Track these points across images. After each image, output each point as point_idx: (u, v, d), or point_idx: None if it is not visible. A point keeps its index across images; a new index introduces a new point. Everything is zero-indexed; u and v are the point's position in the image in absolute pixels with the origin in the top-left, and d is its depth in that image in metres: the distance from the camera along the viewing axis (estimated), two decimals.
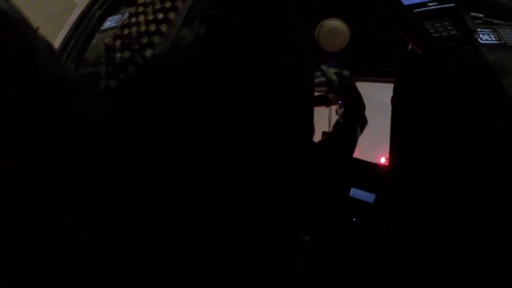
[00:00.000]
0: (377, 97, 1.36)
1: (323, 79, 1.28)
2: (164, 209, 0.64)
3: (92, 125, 0.57)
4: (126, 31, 1.28)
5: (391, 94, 1.10)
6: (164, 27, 1.27)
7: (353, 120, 1.22)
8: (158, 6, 1.31)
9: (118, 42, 1.27)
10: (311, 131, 0.87)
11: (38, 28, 0.63)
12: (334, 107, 1.38)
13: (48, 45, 0.54)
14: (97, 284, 0.55)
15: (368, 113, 1.22)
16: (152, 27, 1.26)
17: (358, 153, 1.37)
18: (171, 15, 1.28)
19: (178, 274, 0.63)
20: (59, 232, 0.53)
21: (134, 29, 1.28)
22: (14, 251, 0.50)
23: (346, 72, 1.29)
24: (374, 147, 1.32)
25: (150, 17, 1.28)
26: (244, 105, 0.73)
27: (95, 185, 0.56)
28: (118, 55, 1.25)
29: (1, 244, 0.49)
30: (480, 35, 1.05)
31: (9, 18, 0.48)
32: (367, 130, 1.22)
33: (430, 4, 1.07)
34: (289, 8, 0.84)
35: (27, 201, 0.50)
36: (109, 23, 1.41)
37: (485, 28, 1.07)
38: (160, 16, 1.28)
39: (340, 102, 1.34)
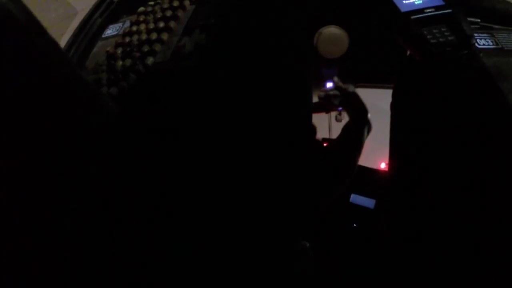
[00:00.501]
0: (376, 103, 1.37)
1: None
2: (164, 210, 0.64)
3: (92, 126, 0.57)
4: (127, 39, 1.29)
5: (390, 100, 1.11)
6: (165, 36, 1.27)
7: (361, 123, 1.23)
8: (159, 15, 1.32)
9: (119, 50, 1.28)
10: (311, 130, 0.88)
11: None
12: (333, 114, 1.39)
13: (54, 45, 0.55)
14: (97, 284, 0.55)
15: None
16: (153, 36, 1.27)
17: None
18: (172, 24, 1.29)
19: (178, 276, 0.63)
20: (59, 232, 0.53)
21: (135, 37, 1.29)
22: (14, 251, 0.50)
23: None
24: (374, 153, 1.32)
25: (151, 25, 1.29)
26: (244, 107, 0.73)
27: (95, 185, 0.56)
28: (120, 63, 1.26)
29: (1, 244, 0.49)
30: (477, 40, 1.05)
31: (11, 17, 0.49)
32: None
33: (427, 10, 1.07)
34: (289, 9, 0.84)
35: (27, 201, 0.51)
36: (110, 31, 1.42)
37: (482, 33, 1.08)
38: (161, 24, 1.29)
39: (340, 109, 1.35)
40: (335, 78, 1.28)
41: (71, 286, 0.53)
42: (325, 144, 1.40)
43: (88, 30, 1.40)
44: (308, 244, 1.10)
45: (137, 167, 0.62)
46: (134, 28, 1.31)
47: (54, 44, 0.55)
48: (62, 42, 1.31)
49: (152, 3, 1.37)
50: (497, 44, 1.06)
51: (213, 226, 0.68)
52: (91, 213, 0.55)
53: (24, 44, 0.49)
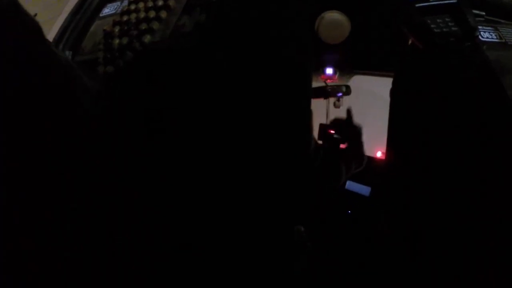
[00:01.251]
0: (376, 90, 1.36)
1: None
2: (163, 207, 0.64)
3: (92, 125, 0.56)
4: (125, 18, 1.27)
5: (390, 88, 1.10)
6: (163, 14, 1.26)
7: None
8: None
9: (117, 29, 1.26)
10: (309, 122, 0.88)
11: (36, 15, 0.62)
12: (332, 100, 1.38)
13: (52, 47, 0.54)
14: (97, 284, 0.56)
15: (366, 107, 1.22)
16: (152, 14, 1.25)
17: None
18: (171, 2, 1.27)
19: (177, 274, 0.64)
20: (59, 232, 0.53)
21: (133, 15, 1.27)
22: (14, 251, 0.51)
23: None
24: (371, 141, 1.32)
25: (150, 4, 1.27)
26: (243, 93, 0.73)
27: (95, 185, 0.56)
28: (117, 41, 1.24)
29: (1, 244, 0.50)
30: (481, 33, 1.04)
31: (8, 17, 0.48)
32: (364, 124, 1.22)
33: None
34: (290, 0, 0.83)
35: (27, 201, 0.51)
36: (108, 10, 1.39)
37: (486, 26, 1.06)
38: (160, 3, 1.27)
39: (338, 94, 1.34)
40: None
41: (71, 286, 0.54)
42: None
43: (86, 9, 1.37)
44: (302, 229, 1.11)
45: (137, 166, 0.62)
46: (132, 6, 1.29)
47: (51, 45, 0.54)
48: (59, 22, 1.29)
49: None
50: (500, 38, 1.05)
51: (211, 222, 0.68)
52: (91, 213, 0.55)
53: (24, 44, 0.48)
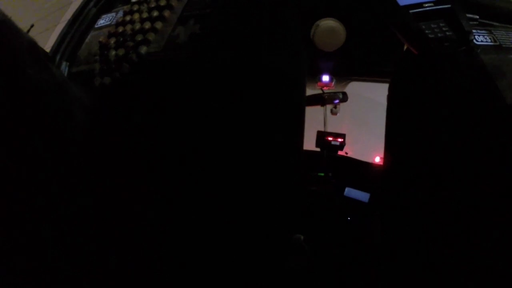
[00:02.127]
0: (373, 96, 1.36)
1: None
2: (160, 209, 0.64)
3: (87, 136, 0.56)
4: (120, 29, 1.27)
5: (386, 93, 1.11)
6: (159, 25, 1.25)
7: None
8: (153, 5, 1.29)
9: (112, 40, 1.26)
10: (302, 129, 0.88)
11: (32, 26, 0.62)
12: (329, 106, 1.39)
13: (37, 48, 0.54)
14: (97, 283, 0.55)
15: (363, 113, 1.22)
16: (147, 25, 1.25)
17: (353, 153, 1.37)
18: (166, 13, 1.27)
19: (174, 272, 0.63)
20: (58, 232, 0.53)
21: (128, 27, 1.27)
22: (13, 251, 0.50)
23: None
24: (369, 147, 1.32)
25: (145, 15, 1.27)
26: (237, 105, 0.73)
27: (92, 185, 0.56)
28: (113, 52, 1.24)
29: (1, 243, 0.49)
30: (476, 37, 1.05)
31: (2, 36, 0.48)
32: (362, 129, 1.23)
33: (426, 5, 1.07)
34: (285, 11, 0.84)
35: (27, 201, 0.50)
36: (103, 21, 1.39)
37: (480, 30, 1.07)
38: (155, 14, 1.27)
39: (335, 101, 1.35)
40: None
41: (70, 285, 0.53)
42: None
43: (82, 20, 1.37)
44: (302, 237, 1.10)
45: (132, 165, 0.62)
46: (128, 17, 1.29)
47: (47, 62, 0.54)
48: (56, 32, 1.29)
49: None
50: (495, 41, 1.06)
51: (207, 221, 0.68)
52: (90, 213, 0.55)
53: (19, 63, 0.48)
